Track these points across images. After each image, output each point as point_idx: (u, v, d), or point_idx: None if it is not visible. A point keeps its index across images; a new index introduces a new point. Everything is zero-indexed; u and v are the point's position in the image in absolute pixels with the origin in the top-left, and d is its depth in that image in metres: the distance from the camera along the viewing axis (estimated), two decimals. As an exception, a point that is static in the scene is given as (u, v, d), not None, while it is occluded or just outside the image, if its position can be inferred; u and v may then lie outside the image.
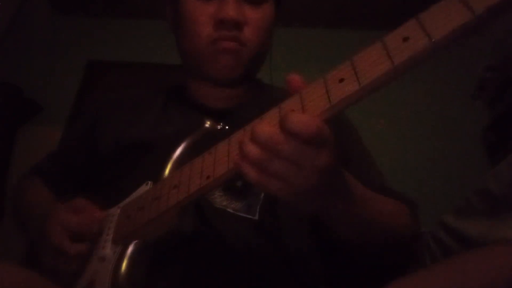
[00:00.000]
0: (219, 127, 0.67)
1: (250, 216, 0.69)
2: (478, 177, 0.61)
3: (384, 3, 2.28)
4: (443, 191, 1.95)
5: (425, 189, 2.05)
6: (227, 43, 0.76)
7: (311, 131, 0.42)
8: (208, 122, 0.67)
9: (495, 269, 0.40)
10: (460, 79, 2.28)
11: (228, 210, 0.69)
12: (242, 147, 0.45)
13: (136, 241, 0.61)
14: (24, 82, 2.18)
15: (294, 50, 2.45)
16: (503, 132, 1.97)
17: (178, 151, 0.66)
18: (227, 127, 0.65)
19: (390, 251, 0.68)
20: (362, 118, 2.18)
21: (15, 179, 0.93)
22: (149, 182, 0.65)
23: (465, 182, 1.62)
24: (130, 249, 0.60)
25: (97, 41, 2.46)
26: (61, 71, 2.37)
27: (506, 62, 2.03)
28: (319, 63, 2.31)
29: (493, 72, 2.16)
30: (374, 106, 2.19)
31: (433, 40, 0.37)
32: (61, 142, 0.97)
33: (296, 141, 0.42)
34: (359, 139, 0.88)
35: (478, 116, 2.16)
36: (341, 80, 0.43)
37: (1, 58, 2.17)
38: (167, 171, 0.64)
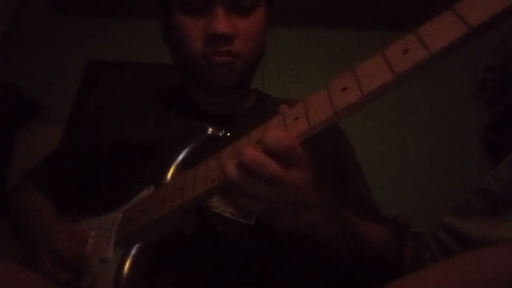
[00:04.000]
0: (221, 133, 0.67)
1: (246, 222, 0.70)
2: (478, 177, 0.62)
3: (383, 4, 2.28)
4: (443, 191, 1.96)
5: (425, 189, 2.05)
6: (219, 58, 0.75)
7: (283, 147, 0.45)
8: (210, 129, 0.67)
9: (495, 269, 0.40)
10: (460, 79, 2.28)
11: (225, 214, 0.69)
12: (224, 169, 0.48)
13: (139, 243, 0.61)
14: (24, 82, 2.19)
15: (294, 50, 2.45)
16: (503, 132, 1.98)
17: (180, 156, 0.66)
18: (228, 134, 0.65)
19: (370, 270, 0.69)
20: (363, 118, 2.18)
21: (15, 179, 0.93)
22: (151, 186, 0.66)
23: (465, 182, 1.62)
24: (132, 251, 0.61)
25: (97, 41, 2.46)
26: (61, 71, 2.37)
27: (506, 63, 2.04)
28: (318, 63, 2.31)
29: (493, 72, 2.17)
30: (375, 106, 2.19)
31: (431, 53, 0.40)
32: (59, 145, 0.96)
33: (273, 161, 0.46)
34: (354, 158, 0.88)
35: (478, 116, 2.17)
36: (344, 89, 0.45)
37: (1, 58, 2.17)
38: (169, 175, 0.65)
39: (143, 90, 0.98)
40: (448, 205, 0.67)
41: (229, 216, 0.70)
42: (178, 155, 0.66)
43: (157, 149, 0.74)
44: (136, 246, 0.61)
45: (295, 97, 0.54)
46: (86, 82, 2.36)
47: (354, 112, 0.45)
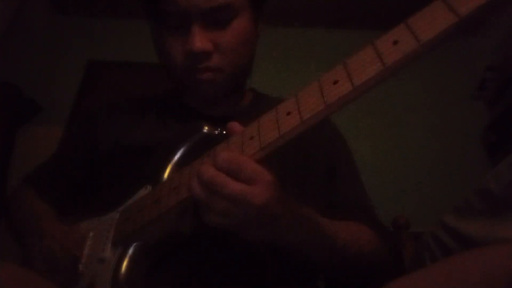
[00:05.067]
0: (216, 131, 0.67)
1: None
2: (478, 177, 0.61)
3: (383, 4, 2.28)
4: (443, 191, 1.95)
5: (425, 189, 2.05)
6: (202, 75, 0.75)
7: (234, 166, 0.49)
8: (206, 127, 0.67)
9: (495, 269, 0.40)
10: (460, 79, 2.28)
11: None
12: (189, 187, 0.51)
13: (136, 242, 0.61)
14: (24, 82, 2.19)
15: (294, 50, 2.45)
16: (503, 132, 1.98)
17: (177, 155, 0.66)
18: (224, 132, 0.65)
19: (358, 274, 0.69)
20: (363, 118, 2.18)
21: (15, 179, 0.92)
22: (148, 186, 0.66)
23: (465, 182, 1.62)
24: (130, 250, 0.61)
25: (97, 41, 2.47)
26: (61, 71, 2.37)
27: (506, 63, 2.04)
28: (318, 63, 2.31)
29: (493, 72, 2.17)
30: (375, 106, 2.19)
31: (421, 43, 0.39)
32: (57, 148, 0.96)
33: (230, 179, 0.48)
34: (347, 156, 0.88)
35: (478, 116, 2.17)
36: (335, 82, 0.45)
37: (1, 58, 2.17)
38: (166, 174, 0.65)
39: (143, 90, 0.98)
40: (448, 205, 0.67)
41: None
42: (174, 153, 0.66)
43: (155, 150, 0.74)
44: (134, 245, 0.61)
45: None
46: (86, 82, 2.36)
47: (346, 105, 0.45)
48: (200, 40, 0.72)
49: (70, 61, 2.40)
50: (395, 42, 0.41)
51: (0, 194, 1.86)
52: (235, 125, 0.56)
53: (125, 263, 0.59)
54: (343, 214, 0.74)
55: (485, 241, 0.52)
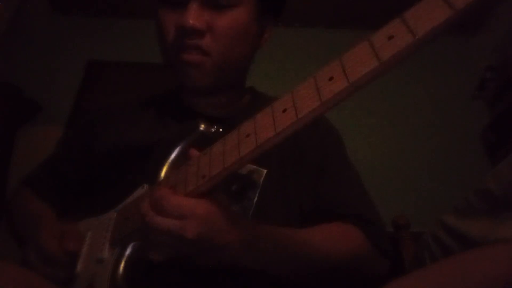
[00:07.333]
0: (213, 129, 0.67)
1: None
2: (478, 177, 0.61)
3: (383, 4, 2.28)
4: (443, 191, 1.95)
5: (425, 189, 2.05)
6: (188, 55, 0.74)
7: (163, 205, 0.52)
8: (203, 125, 0.67)
9: (495, 269, 0.40)
10: (460, 79, 2.28)
11: None
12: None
13: (134, 242, 0.61)
14: (24, 82, 2.19)
15: (294, 50, 2.45)
16: (503, 132, 1.97)
17: (173, 154, 0.66)
18: (221, 130, 0.65)
19: (341, 277, 0.69)
20: (363, 118, 2.18)
21: (15, 179, 0.93)
22: (145, 185, 0.66)
23: (465, 182, 1.61)
24: (128, 250, 0.61)
25: (97, 41, 2.46)
26: (61, 71, 2.37)
27: (506, 63, 2.04)
28: (319, 63, 2.31)
29: (493, 72, 2.16)
30: (375, 107, 2.19)
31: (416, 37, 0.39)
32: (55, 149, 0.96)
33: (160, 217, 0.52)
34: (340, 154, 0.87)
35: (478, 116, 2.17)
36: (331, 78, 0.45)
37: (1, 58, 2.17)
38: (163, 173, 0.65)
39: (143, 90, 0.98)
40: (448, 205, 0.67)
41: None
42: (171, 152, 0.66)
43: (153, 150, 0.74)
44: (132, 245, 0.61)
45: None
46: (86, 82, 2.36)
47: (342, 101, 0.44)
48: (194, 17, 0.72)
49: (70, 61, 2.40)
50: (391, 37, 0.41)
51: (0, 194, 1.86)
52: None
53: (123, 264, 0.59)
54: (328, 214, 0.74)
55: (485, 241, 0.52)
